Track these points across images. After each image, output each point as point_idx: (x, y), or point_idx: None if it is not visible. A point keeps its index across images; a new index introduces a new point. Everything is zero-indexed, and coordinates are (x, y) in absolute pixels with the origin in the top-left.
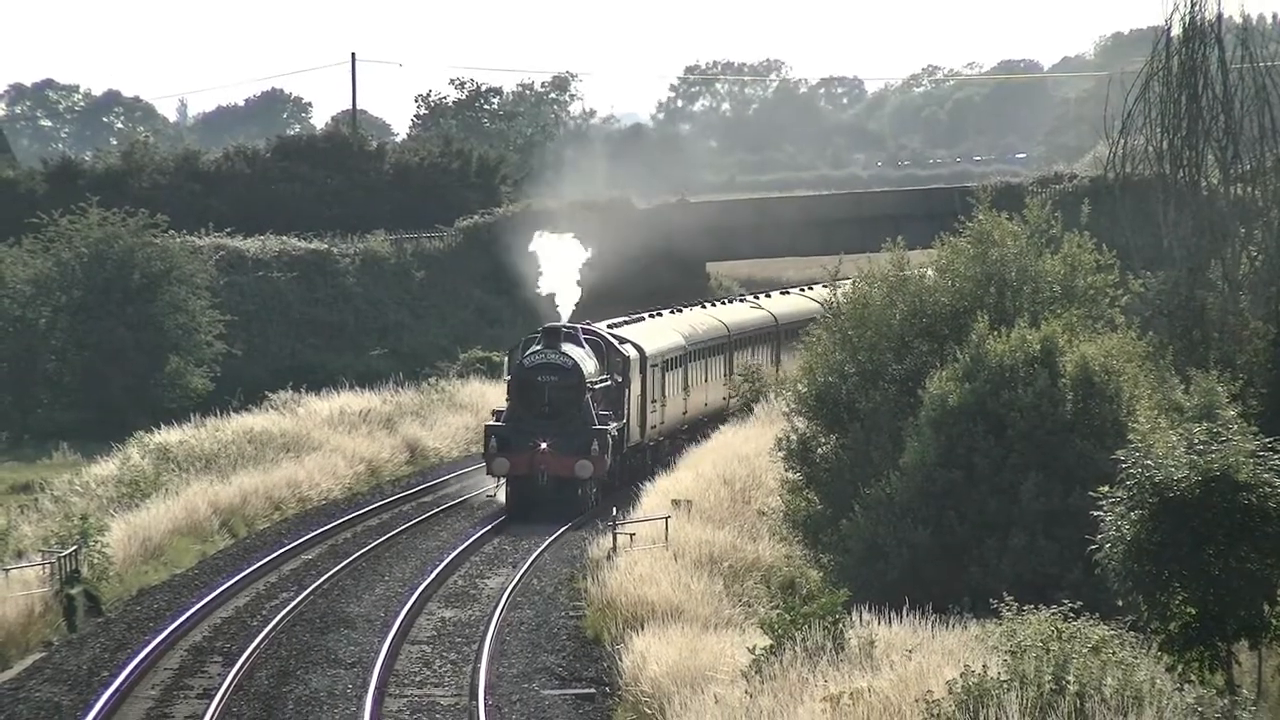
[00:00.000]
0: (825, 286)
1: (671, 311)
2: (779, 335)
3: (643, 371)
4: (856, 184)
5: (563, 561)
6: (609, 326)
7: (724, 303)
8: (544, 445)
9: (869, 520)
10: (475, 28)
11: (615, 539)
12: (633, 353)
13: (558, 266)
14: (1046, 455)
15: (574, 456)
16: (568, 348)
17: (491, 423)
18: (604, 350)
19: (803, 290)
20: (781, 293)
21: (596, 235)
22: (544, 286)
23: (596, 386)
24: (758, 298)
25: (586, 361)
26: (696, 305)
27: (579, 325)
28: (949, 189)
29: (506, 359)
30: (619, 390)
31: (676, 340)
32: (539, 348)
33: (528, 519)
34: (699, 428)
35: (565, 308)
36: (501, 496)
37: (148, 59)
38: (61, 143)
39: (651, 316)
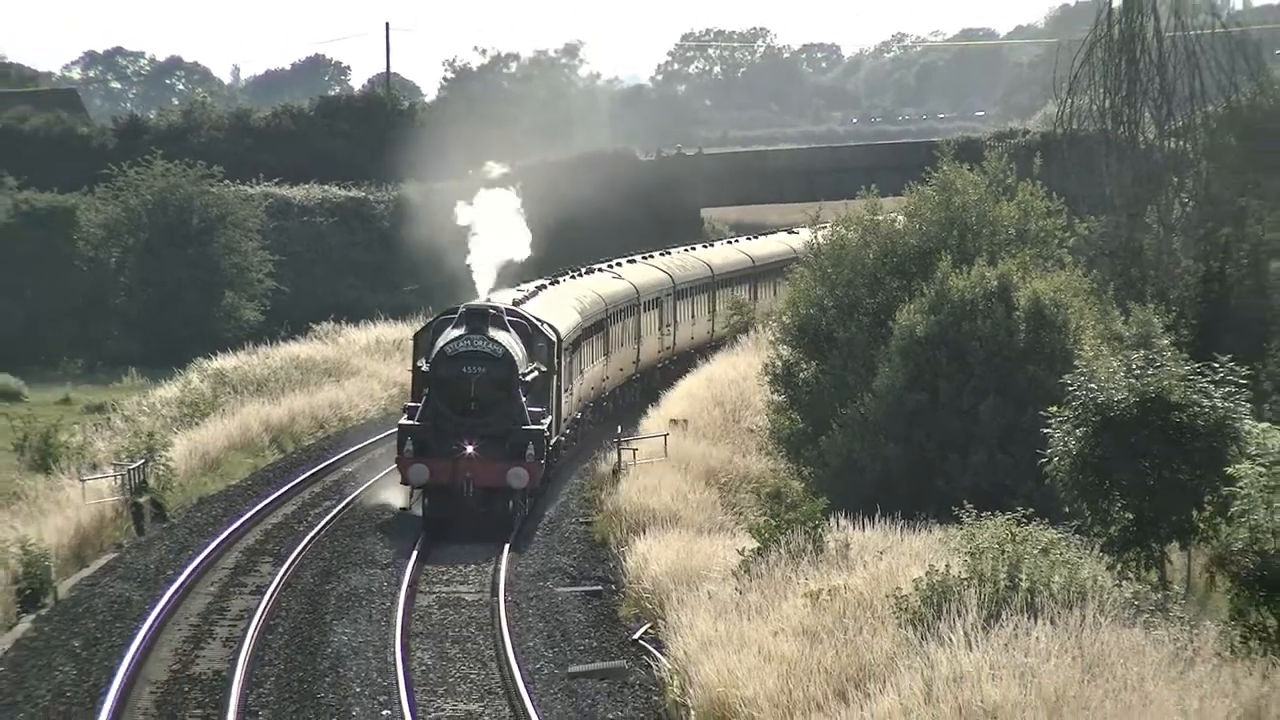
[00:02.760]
0: (705, 247)
1: (552, 282)
2: (639, 308)
3: (559, 356)
4: (834, 139)
5: (575, 473)
6: (514, 303)
7: (586, 272)
8: (470, 449)
9: (846, 438)
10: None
11: (620, 454)
12: (552, 335)
13: (484, 235)
14: (1002, 380)
15: (506, 463)
16: (495, 333)
17: (405, 421)
18: (530, 333)
19: (645, 258)
20: (629, 261)
21: (603, 183)
22: (470, 257)
23: (527, 378)
24: (614, 267)
25: (515, 348)
26: (568, 275)
27: (501, 305)
28: (916, 143)
29: (413, 343)
30: (545, 380)
31: (576, 317)
32: (462, 333)
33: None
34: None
35: (483, 283)
36: (419, 510)
37: (205, 27)
38: (129, 103)
39: (540, 289)
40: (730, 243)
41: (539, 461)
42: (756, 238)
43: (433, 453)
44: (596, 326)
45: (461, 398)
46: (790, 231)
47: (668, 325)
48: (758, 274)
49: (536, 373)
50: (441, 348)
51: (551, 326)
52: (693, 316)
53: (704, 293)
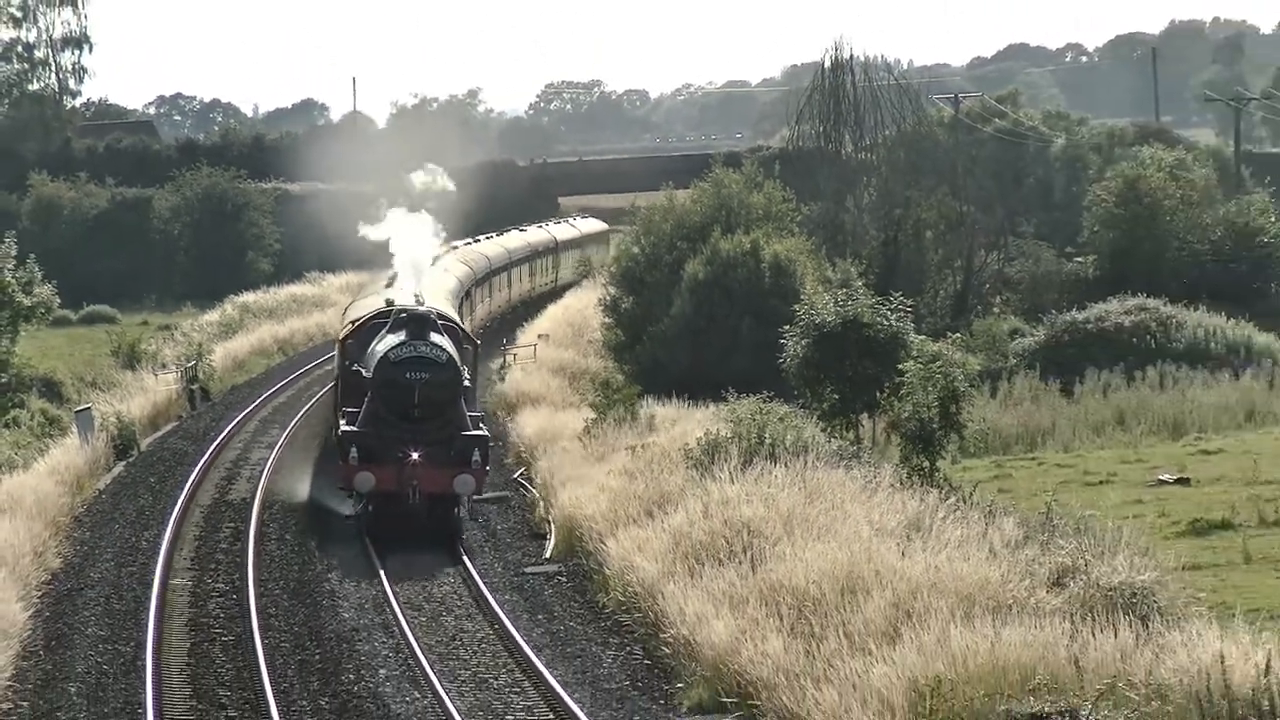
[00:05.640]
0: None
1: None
2: (464, 297)
3: (477, 359)
4: (645, 152)
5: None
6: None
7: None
8: (415, 456)
9: (653, 347)
10: (425, 58)
11: (504, 358)
12: (473, 339)
13: (407, 245)
14: (755, 309)
15: (452, 469)
16: (437, 339)
17: (347, 428)
18: (460, 338)
19: (449, 253)
20: (443, 257)
21: (493, 182)
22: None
23: (466, 383)
24: (434, 264)
25: (455, 353)
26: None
27: (433, 310)
28: (699, 155)
29: (339, 347)
30: (473, 384)
31: (458, 316)
32: (404, 338)
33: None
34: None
35: (405, 290)
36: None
37: (237, 77)
38: (186, 129)
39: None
40: (489, 238)
41: (485, 468)
42: (502, 233)
43: (378, 460)
44: None
45: (404, 403)
46: (569, 220)
47: (475, 308)
48: (512, 264)
49: (468, 378)
50: (385, 354)
51: (469, 332)
52: (483, 300)
53: (486, 280)
